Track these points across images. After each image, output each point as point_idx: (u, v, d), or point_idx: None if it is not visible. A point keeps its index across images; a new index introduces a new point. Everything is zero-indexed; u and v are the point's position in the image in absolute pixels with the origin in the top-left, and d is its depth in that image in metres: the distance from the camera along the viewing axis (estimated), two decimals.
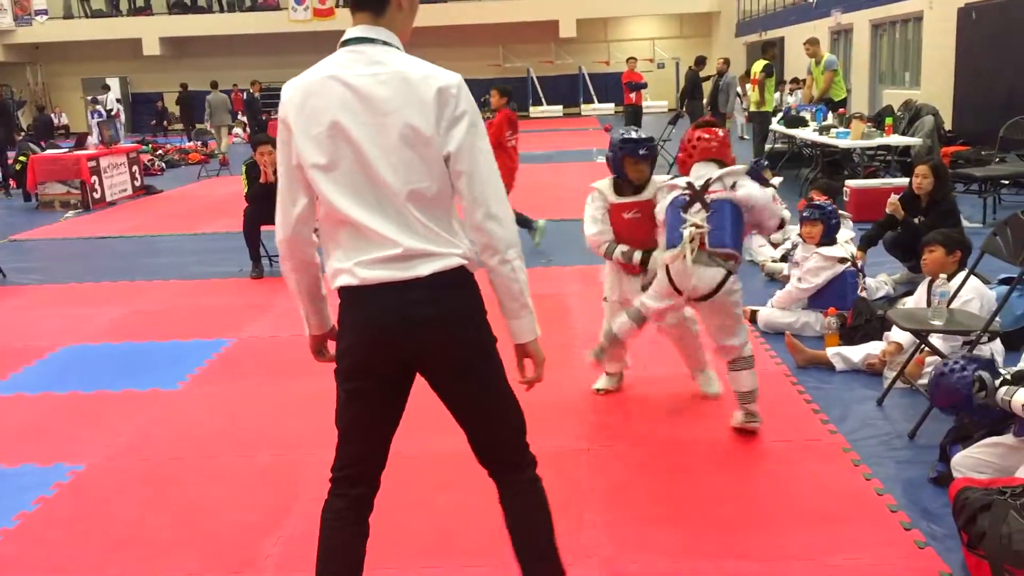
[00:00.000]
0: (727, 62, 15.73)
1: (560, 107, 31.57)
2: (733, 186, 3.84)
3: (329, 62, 2.19)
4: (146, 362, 5.41)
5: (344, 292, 2.23)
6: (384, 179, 2.14)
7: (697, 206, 3.82)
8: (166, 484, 3.74)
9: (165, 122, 28.94)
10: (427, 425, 4.21)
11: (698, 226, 3.77)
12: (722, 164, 3.94)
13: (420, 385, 4.45)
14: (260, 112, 22.39)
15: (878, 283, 6.08)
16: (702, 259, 3.77)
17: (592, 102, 31.53)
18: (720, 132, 4.05)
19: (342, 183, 2.16)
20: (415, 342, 2.23)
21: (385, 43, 2.19)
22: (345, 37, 2.21)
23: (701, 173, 3.90)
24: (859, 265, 5.62)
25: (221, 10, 32.38)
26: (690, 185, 3.88)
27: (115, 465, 3.94)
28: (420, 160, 2.15)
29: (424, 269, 2.16)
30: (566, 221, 9.96)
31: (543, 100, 32.02)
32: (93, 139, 14.48)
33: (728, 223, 3.79)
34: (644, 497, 3.47)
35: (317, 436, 4.15)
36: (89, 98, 27.75)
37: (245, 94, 22.90)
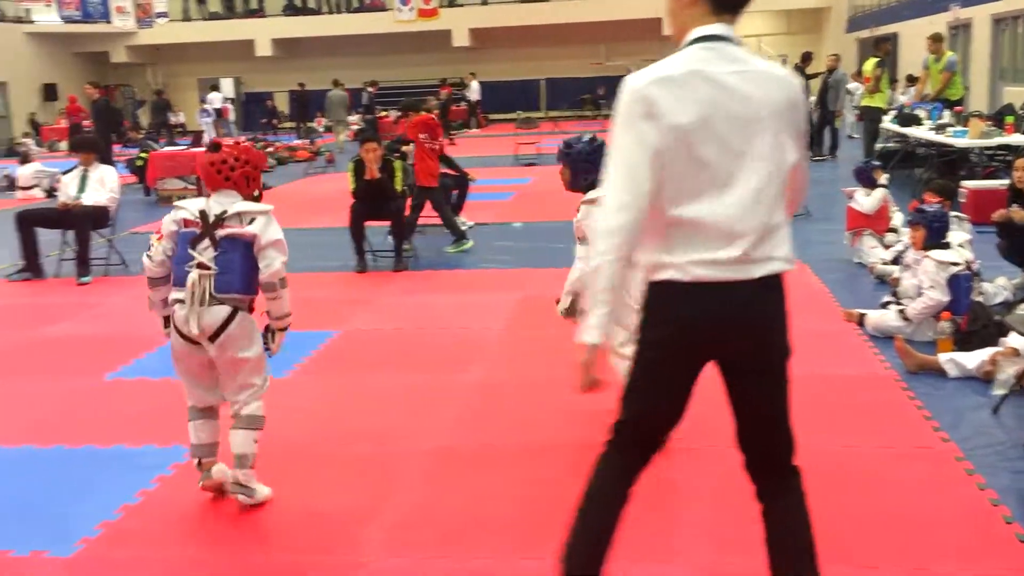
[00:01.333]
0: (838, 58, 15.32)
1: None
2: (251, 222, 3.43)
3: (686, 58, 2.19)
4: None
5: (672, 286, 2.20)
6: (747, 176, 2.16)
7: (206, 242, 3.37)
8: (274, 468, 3.86)
9: (275, 120, 29.84)
10: (522, 420, 4.26)
11: (204, 266, 3.34)
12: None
13: (512, 379, 4.47)
14: (373, 110, 23.21)
15: (996, 288, 5.84)
16: (207, 302, 3.35)
17: None
18: (239, 160, 3.51)
19: (700, 179, 2.15)
20: (739, 341, 2.24)
21: (737, 43, 2.23)
22: (701, 34, 2.21)
23: (221, 201, 3.45)
24: (974, 269, 5.41)
25: (330, 11, 33.18)
26: (203, 216, 3.40)
27: (228, 448, 4.09)
28: (780, 159, 2.21)
29: (761, 270, 2.20)
30: None
31: None
32: (208, 137, 15.07)
33: (238, 265, 3.40)
34: (745, 498, 3.41)
35: (415, 429, 4.24)
36: (201, 98, 28.89)
37: (365, 94, 23.77)
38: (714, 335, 2.22)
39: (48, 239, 8.37)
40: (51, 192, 14.02)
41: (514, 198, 12.20)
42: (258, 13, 33.67)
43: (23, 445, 4.22)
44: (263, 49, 32.61)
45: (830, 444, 3.87)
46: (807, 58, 16.10)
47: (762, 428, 2.36)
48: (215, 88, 27.71)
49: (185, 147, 14.14)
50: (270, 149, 19.85)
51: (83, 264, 7.90)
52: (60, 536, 3.29)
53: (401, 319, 6.22)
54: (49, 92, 32.64)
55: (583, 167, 4.01)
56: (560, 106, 30.81)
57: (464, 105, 29.03)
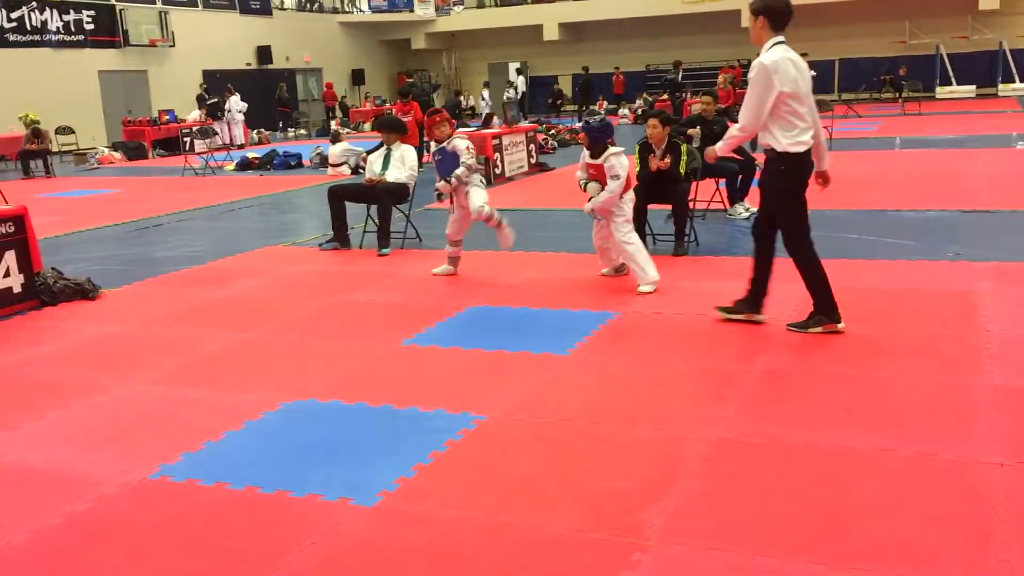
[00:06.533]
0: None
1: (973, 87, 28.58)
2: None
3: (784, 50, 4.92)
4: (539, 327, 5.77)
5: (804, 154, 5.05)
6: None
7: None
8: (555, 443, 3.96)
9: (559, 103, 30.54)
10: (810, 416, 4.06)
11: None
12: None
13: (801, 373, 4.25)
14: (682, 88, 23.62)
15: None
16: None
17: (1013, 81, 28.15)
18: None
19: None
20: None
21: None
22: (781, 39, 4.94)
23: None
24: None
25: None
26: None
27: (512, 419, 4.24)
28: None
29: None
30: (978, 212, 9.05)
31: (952, 80, 29.18)
32: (497, 120, 15.67)
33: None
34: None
35: (697, 414, 4.16)
36: (485, 83, 30.54)
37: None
38: None
39: (354, 212, 9.10)
40: (357, 169, 15.25)
41: None
42: None
43: (331, 400, 4.62)
44: (550, 34, 33.44)
45: None
46: None
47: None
48: (520, 72, 29.29)
49: (475, 128, 14.80)
50: (552, 131, 20.35)
51: (384, 236, 8.51)
52: (363, 486, 3.56)
53: (681, 304, 6.13)
54: (357, 77, 35.49)
55: (596, 137, 6.56)
56: (855, 88, 29.07)
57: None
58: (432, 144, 7.53)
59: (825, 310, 5.19)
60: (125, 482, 3.75)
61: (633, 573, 2.87)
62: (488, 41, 35.76)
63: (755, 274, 5.38)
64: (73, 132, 23.47)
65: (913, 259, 7.01)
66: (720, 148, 5.31)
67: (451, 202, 7.38)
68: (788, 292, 6.45)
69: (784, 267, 5.39)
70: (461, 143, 7.31)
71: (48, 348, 5.92)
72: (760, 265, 5.35)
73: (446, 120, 7.47)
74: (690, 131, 9.11)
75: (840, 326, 5.19)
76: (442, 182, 7.25)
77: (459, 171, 7.15)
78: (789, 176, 5.03)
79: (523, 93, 30.14)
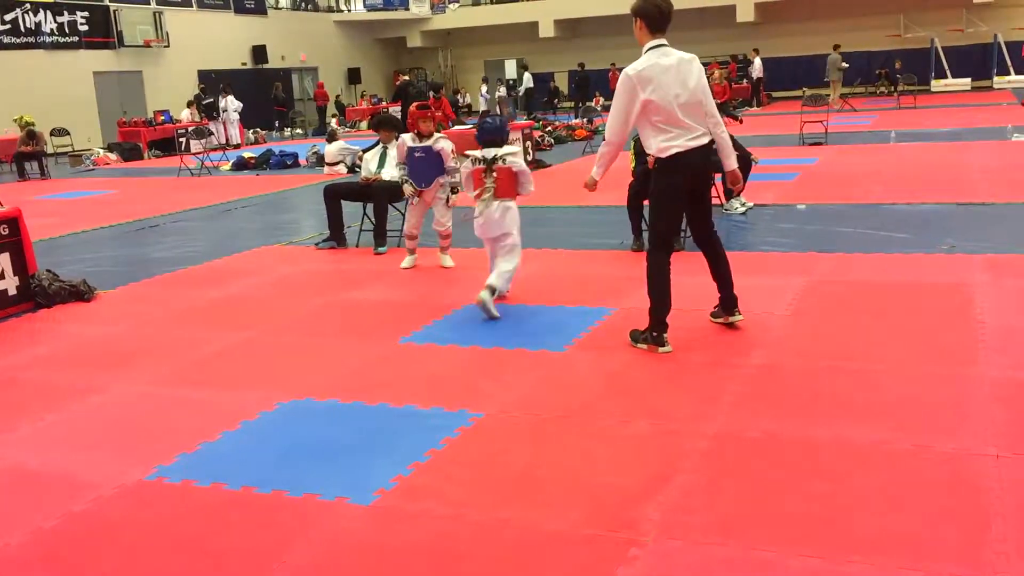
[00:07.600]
0: None
1: (968, 80, 28.57)
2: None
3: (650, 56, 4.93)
4: (535, 324, 5.76)
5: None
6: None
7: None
8: (553, 439, 3.96)
9: (555, 100, 30.53)
10: (805, 410, 4.06)
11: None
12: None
13: (795, 367, 4.25)
14: None
15: None
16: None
17: (1008, 74, 28.16)
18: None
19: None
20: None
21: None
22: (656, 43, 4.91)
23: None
24: None
25: None
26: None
27: (509, 416, 4.24)
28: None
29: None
30: (973, 205, 9.06)
31: (947, 73, 29.18)
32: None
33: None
34: None
35: (693, 409, 4.16)
36: (484, 77, 30.65)
37: None
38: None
39: (350, 211, 9.08)
40: (353, 168, 15.23)
41: (798, 179, 11.67)
42: None
43: (328, 399, 4.62)
44: (546, 30, 33.41)
45: None
46: None
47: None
48: (524, 68, 29.55)
49: (472, 126, 14.77)
50: (549, 128, 20.33)
51: (380, 235, 8.49)
52: (360, 485, 3.56)
53: (676, 299, 6.10)
54: (353, 76, 35.46)
55: (481, 136, 6.49)
56: (851, 82, 29.08)
57: (747, 83, 28.18)
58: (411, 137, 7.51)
59: (656, 328, 5.05)
60: (121, 483, 3.74)
61: (630, 568, 2.87)
62: (484, 38, 35.72)
63: (713, 278, 5.35)
64: (68, 134, 23.43)
65: (908, 252, 7.02)
66: (595, 172, 5.17)
67: (417, 195, 7.50)
68: (775, 286, 6.45)
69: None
70: (448, 145, 7.50)
71: (44, 350, 5.91)
72: (713, 268, 5.31)
73: (433, 118, 7.64)
74: None
75: (662, 350, 4.99)
76: (454, 195, 7.49)
77: (459, 180, 7.15)
78: (658, 179, 4.99)
79: (528, 89, 30.19)
